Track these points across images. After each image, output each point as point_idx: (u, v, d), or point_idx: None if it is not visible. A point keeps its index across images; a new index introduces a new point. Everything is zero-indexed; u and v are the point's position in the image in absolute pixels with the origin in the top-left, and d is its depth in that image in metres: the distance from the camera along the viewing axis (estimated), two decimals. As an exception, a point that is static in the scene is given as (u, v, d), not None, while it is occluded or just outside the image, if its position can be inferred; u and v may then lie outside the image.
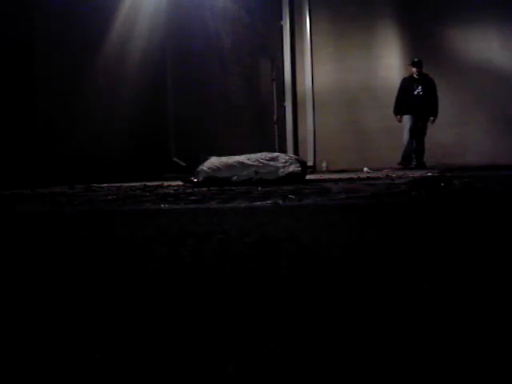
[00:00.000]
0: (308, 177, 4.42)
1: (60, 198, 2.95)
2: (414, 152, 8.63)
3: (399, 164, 8.33)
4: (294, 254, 1.02)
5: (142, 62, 6.19)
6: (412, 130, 8.67)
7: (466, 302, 0.67)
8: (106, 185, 4.45)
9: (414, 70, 8.75)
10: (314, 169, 9.83)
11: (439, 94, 8.89)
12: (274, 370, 0.49)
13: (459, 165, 8.07)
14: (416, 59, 8.73)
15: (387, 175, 5.01)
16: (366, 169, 7.66)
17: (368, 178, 4.52)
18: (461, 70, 9.43)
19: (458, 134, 9.41)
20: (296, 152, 10.01)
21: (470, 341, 0.54)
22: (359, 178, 4.52)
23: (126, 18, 5.98)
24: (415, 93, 8.71)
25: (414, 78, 8.75)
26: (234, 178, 3.93)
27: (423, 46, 9.68)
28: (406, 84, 8.86)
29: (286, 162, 4.05)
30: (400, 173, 5.75)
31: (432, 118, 8.69)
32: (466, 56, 9.49)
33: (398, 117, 8.78)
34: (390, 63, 9.74)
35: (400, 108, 8.78)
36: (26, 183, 4.19)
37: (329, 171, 9.22)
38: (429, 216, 1.66)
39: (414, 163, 8.56)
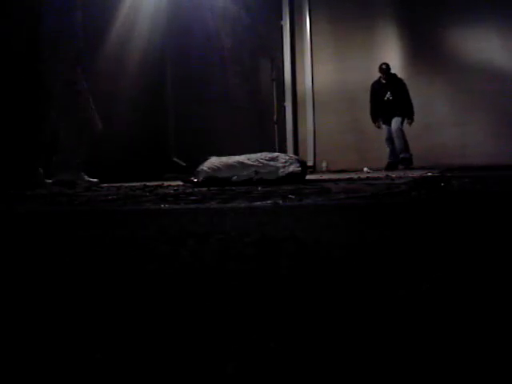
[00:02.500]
0: (308, 177, 4.42)
1: (60, 198, 2.95)
2: (400, 155, 8.38)
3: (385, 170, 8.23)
4: (294, 253, 1.02)
5: (141, 62, 6.20)
6: (388, 140, 8.49)
7: (466, 302, 0.67)
8: (105, 185, 4.45)
9: (380, 75, 8.54)
10: (314, 169, 9.84)
11: (439, 94, 8.85)
12: (273, 370, 0.49)
13: (459, 165, 8.07)
14: (384, 65, 8.49)
15: (387, 175, 5.01)
16: (365, 169, 7.65)
17: (368, 178, 4.52)
18: (461, 70, 9.42)
19: (457, 134, 9.41)
20: (296, 152, 10.01)
21: (470, 341, 0.54)
22: (359, 178, 4.52)
23: (126, 18, 5.98)
24: (385, 98, 8.51)
25: (382, 82, 8.53)
26: (234, 177, 3.93)
27: (423, 46, 9.69)
28: (375, 89, 8.63)
29: (286, 162, 4.05)
30: (400, 173, 5.75)
31: (409, 121, 8.41)
32: (466, 56, 9.48)
33: (377, 123, 8.60)
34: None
35: (376, 114, 8.58)
36: (24, 183, 4.19)
37: (329, 171, 9.22)
38: (429, 216, 1.66)
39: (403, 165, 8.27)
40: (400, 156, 8.35)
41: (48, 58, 4.45)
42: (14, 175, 4.28)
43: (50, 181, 4.48)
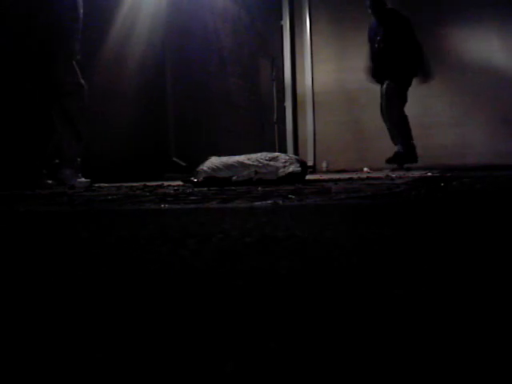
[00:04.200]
0: (308, 177, 4.42)
1: (60, 198, 2.95)
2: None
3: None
4: (294, 253, 1.02)
5: (142, 62, 6.20)
6: (381, 108, 6.77)
7: (466, 303, 0.67)
8: (106, 185, 4.46)
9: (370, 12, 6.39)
10: (314, 169, 9.84)
11: (439, 94, 8.75)
12: (273, 370, 0.49)
13: (459, 165, 8.08)
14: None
15: (387, 175, 5.02)
16: (365, 169, 7.65)
17: (368, 178, 4.52)
18: (461, 70, 9.43)
19: (458, 134, 9.41)
20: (296, 152, 10.01)
21: (469, 342, 0.54)
22: (359, 178, 4.52)
23: (125, 18, 5.98)
24: (376, 45, 6.39)
25: (374, 24, 6.46)
26: (234, 177, 3.93)
27: (423, 46, 9.67)
28: (370, 34, 6.59)
29: (286, 162, 4.05)
30: (400, 173, 5.76)
31: (423, 78, 6.06)
32: (466, 56, 9.49)
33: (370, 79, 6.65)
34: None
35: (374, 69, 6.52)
36: (26, 184, 4.20)
37: (329, 171, 9.23)
38: (429, 216, 1.66)
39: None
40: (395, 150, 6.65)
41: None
42: (17, 175, 4.28)
43: (51, 181, 4.48)
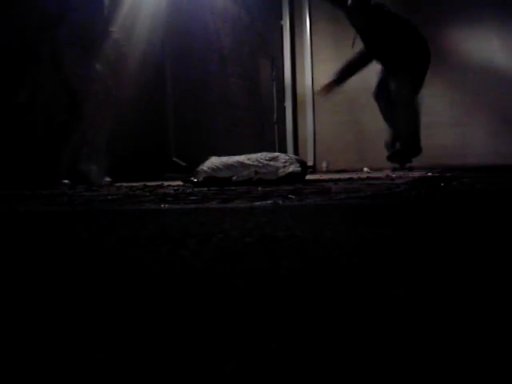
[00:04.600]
0: (308, 177, 4.42)
1: (60, 198, 2.95)
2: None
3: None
4: (294, 253, 1.02)
5: (141, 62, 6.19)
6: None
7: (466, 303, 0.67)
8: (106, 185, 4.46)
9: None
10: (314, 169, 9.83)
11: (439, 94, 8.70)
12: (273, 370, 0.49)
13: (459, 165, 8.07)
14: None
15: (387, 175, 5.01)
16: (366, 169, 7.64)
17: (368, 178, 4.52)
18: (461, 70, 9.42)
19: (458, 134, 9.40)
20: (296, 152, 10.00)
21: (469, 341, 0.54)
22: (359, 178, 4.52)
23: (125, 18, 5.98)
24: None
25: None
26: (234, 177, 3.93)
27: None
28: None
29: (286, 162, 4.05)
30: (400, 173, 5.75)
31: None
32: (466, 56, 9.48)
33: None
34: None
35: None
36: (27, 184, 4.19)
37: (329, 171, 9.22)
38: (429, 216, 1.66)
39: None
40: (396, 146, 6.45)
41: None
42: (33, 174, 4.30)
43: (67, 181, 4.49)
